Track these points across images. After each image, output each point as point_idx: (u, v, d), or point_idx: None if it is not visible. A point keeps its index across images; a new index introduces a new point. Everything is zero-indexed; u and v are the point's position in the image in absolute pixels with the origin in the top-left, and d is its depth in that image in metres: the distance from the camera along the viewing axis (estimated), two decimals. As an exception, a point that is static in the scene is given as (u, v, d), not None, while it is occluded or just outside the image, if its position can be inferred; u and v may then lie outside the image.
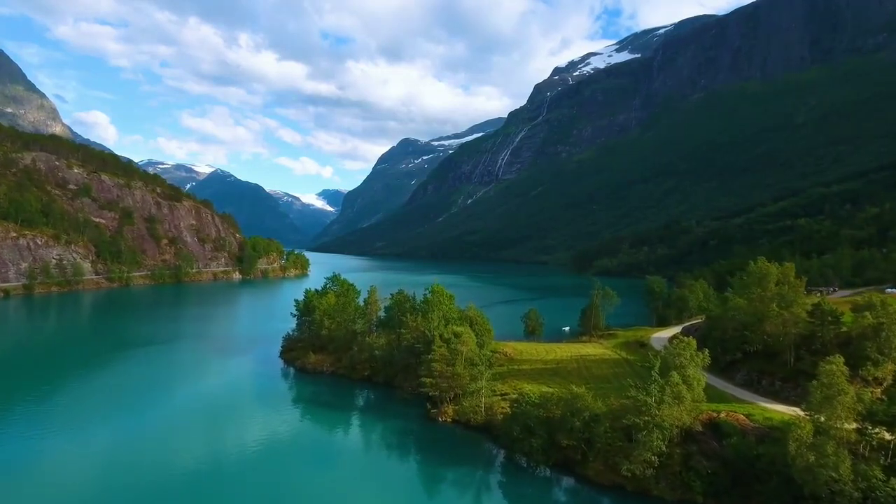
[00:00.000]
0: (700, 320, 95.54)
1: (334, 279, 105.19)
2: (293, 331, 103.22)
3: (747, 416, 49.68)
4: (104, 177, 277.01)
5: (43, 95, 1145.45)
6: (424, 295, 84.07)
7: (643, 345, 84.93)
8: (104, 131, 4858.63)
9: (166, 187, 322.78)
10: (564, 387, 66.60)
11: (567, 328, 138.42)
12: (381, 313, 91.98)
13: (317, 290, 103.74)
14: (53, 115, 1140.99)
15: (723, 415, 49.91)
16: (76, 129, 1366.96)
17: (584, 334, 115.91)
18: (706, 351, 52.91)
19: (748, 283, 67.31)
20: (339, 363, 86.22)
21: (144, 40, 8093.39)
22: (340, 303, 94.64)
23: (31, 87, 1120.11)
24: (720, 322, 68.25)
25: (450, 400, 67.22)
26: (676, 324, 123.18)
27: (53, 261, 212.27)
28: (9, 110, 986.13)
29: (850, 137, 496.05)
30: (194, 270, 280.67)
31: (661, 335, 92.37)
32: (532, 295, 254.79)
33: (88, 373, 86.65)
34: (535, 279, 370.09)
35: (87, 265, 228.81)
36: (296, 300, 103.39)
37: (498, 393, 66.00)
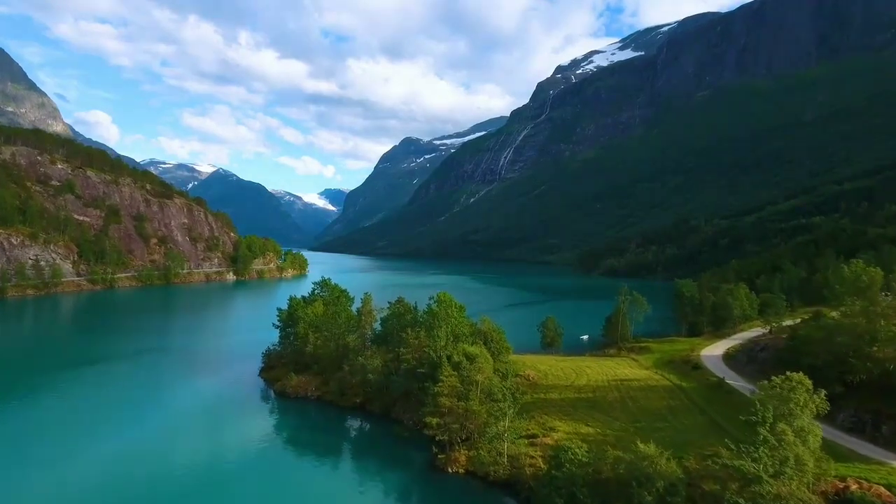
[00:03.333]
0: (760, 332, 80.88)
1: (324, 284, 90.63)
2: (274, 345, 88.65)
3: (888, 486, 35.50)
4: (90, 173, 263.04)
5: (44, 94, 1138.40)
6: (429, 305, 69.39)
7: (696, 367, 69.95)
8: (106, 131, 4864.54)
9: (157, 184, 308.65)
10: (608, 426, 52.39)
11: (585, 337, 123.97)
12: (377, 325, 77.34)
13: (303, 297, 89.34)
14: (54, 114, 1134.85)
15: (854, 486, 35.63)
16: (78, 129, 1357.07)
17: (610, 346, 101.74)
18: (822, 393, 38.61)
19: (841, 294, 53.08)
20: (326, 387, 71.52)
21: (144, 39, 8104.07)
22: (330, 312, 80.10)
23: (31, 86, 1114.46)
24: (810, 344, 53.51)
25: (461, 441, 52.76)
26: (710, 333, 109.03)
27: (30, 261, 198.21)
28: (10, 109, 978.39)
29: (859, 135, 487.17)
30: (185, 271, 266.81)
31: (712, 352, 77.67)
32: (540, 297, 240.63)
33: (20, 400, 72.22)
34: (541, 280, 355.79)
35: (67, 266, 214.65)
36: (279, 309, 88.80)
37: (523, 433, 51.40)
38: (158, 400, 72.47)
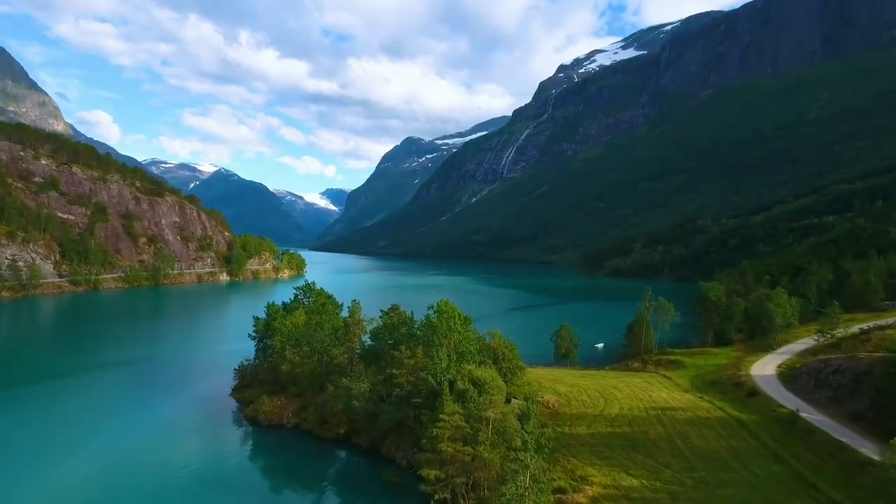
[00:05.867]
0: (812, 344, 68.87)
1: (307, 289, 79.00)
2: (248, 359, 76.89)
3: None
4: (76, 169, 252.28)
5: (45, 94, 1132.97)
6: (427, 315, 57.69)
7: (753, 392, 57.90)
8: (107, 130, 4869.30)
9: (147, 181, 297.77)
10: (657, 475, 40.76)
11: (601, 345, 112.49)
12: (367, 338, 65.56)
13: (284, 304, 77.81)
14: (55, 113, 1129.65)
15: None
16: (79, 129, 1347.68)
17: (633, 357, 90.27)
18: None
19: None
20: (305, 413, 59.81)
21: (144, 38, 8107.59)
22: (312, 323, 68.48)
23: (32, 86, 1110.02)
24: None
25: (468, 491, 41.28)
26: (743, 343, 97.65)
27: (6, 261, 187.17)
28: (10, 108, 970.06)
29: (865, 134, 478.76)
30: (175, 272, 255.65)
31: (762, 371, 65.58)
32: (545, 299, 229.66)
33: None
34: (545, 281, 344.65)
35: (48, 266, 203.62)
36: (255, 318, 77.18)
37: (547, 484, 39.74)
38: (107, 425, 60.73)
